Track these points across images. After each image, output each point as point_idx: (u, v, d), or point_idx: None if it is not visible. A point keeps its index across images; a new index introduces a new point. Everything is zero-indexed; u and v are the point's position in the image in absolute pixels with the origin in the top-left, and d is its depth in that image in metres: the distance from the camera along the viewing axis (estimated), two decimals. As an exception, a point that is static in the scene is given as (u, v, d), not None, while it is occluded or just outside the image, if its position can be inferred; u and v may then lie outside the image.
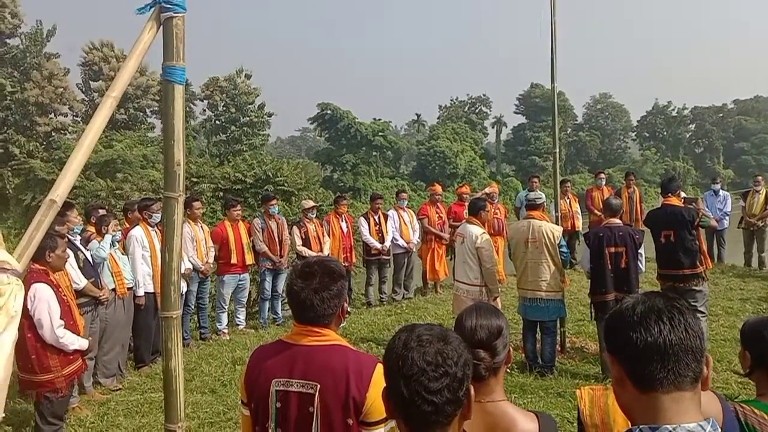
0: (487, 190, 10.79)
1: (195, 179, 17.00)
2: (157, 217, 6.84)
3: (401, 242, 9.84)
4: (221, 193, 16.45)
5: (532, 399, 5.39)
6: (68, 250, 5.17)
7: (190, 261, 7.48)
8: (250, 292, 9.28)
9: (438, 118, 63.38)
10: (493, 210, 9.45)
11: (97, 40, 35.39)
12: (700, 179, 60.25)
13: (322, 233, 8.98)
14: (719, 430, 1.21)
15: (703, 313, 6.15)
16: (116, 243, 6.53)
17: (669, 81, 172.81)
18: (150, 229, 6.93)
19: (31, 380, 4.63)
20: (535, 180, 11.41)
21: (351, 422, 1.93)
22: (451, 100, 65.37)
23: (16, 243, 2.10)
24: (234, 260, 8.12)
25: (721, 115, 69.02)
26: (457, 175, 49.40)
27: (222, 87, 39.00)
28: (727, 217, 11.57)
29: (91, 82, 35.38)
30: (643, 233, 6.01)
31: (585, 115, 69.29)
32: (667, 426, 1.18)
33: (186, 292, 7.44)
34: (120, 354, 6.47)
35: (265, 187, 15.85)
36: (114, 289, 6.30)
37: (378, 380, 1.91)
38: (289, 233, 8.76)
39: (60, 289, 4.78)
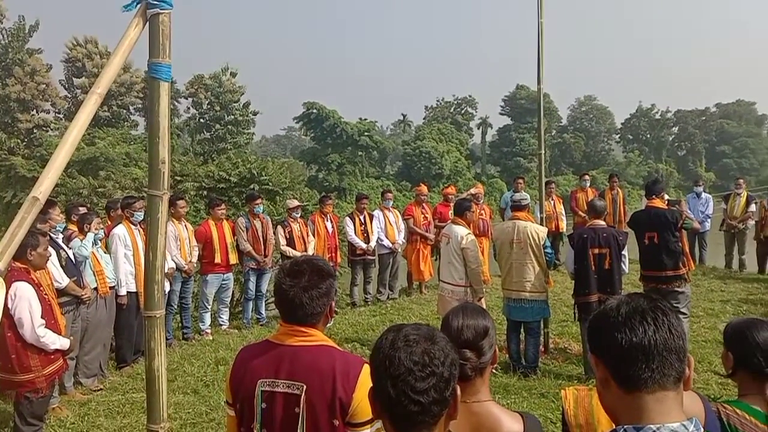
0: (472, 190, 10.83)
1: (179, 177, 16.79)
2: (139, 215, 6.78)
3: (386, 242, 9.84)
4: (205, 192, 16.26)
5: (515, 399, 5.41)
6: (50, 249, 5.10)
7: (173, 260, 7.41)
8: (233, 292, 9.22)
9: (424, 118, 63.72)
10: (478, 211, 9.50)
11: (81, 36, 35.11)
12: (682, 182, 61.05)
13: (307, 233, 8.94)
14: (702, 429, 1.22)
15: (685, 314, 6.22)
16: (98, 241, 6.45)
17: (653, 83, 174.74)
18: (133, 227, 6.86)
19: (10, 380, 4.55)
20: (520, 181, 11.51)
21: (337, 423, 1.92)
22: (437, 101, 65.80)
23: (-3, 241, 2.06)
24: (218, 260, 8.06)
25: (703, 118, 70.04)
26: (442, 176, 49.60)
27: (207, 85, 38.71)
28: (708, 220, 11.70)
29: (74, 79, 34.97)
30: (626, 235, 6.05)
31: (570, 117, 70.01)
32: (651, 426, 1.19)
33: (169, 292, 7.36)
34: (101, 354, 6.39)
35: (250, 186, 15.72)
36: (96, 288, 6.22)
37: (365, 381, 1.90)
38: (274, 233, 8.72)
39: (41, 288, 4.71)
